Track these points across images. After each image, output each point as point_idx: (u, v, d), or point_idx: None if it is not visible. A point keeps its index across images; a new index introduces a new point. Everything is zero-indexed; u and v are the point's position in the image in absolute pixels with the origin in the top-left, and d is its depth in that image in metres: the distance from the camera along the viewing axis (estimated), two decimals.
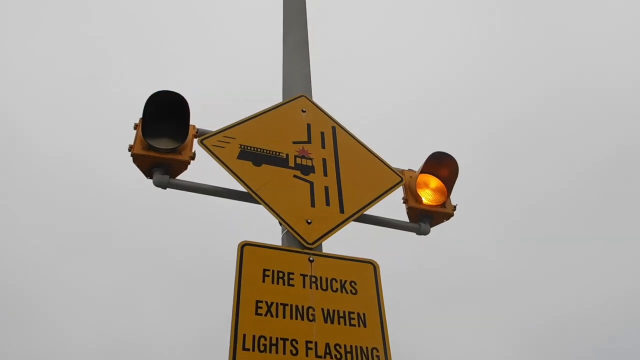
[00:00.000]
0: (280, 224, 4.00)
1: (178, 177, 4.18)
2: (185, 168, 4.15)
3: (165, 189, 4.10)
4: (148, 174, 4.14)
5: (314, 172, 4.26)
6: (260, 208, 4.01)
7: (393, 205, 4.62)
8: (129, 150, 4.01)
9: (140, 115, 4.12)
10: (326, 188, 4.19)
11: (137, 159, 4.06)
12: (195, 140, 4.22)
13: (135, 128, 4.18)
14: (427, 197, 4.66)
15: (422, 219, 4.65)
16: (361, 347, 3.46)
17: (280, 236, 4.01)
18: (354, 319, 3.58)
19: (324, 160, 4.39)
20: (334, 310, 3.57)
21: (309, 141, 4.45)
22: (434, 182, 4.73)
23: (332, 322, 3.51)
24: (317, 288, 3.62)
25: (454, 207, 4.69)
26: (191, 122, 4.24)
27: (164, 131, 4.15)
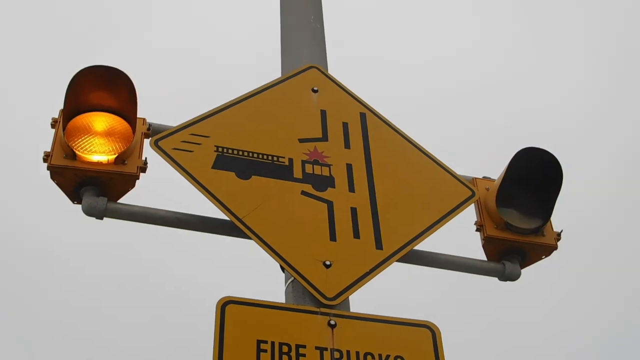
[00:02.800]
0: (283, 270, 3.49)
1: (121, 200, 3.68)
2: (133, 185, 3.65)
3: (101, 218, 3.60)
4: (74, 197, 3.63)
5: (334, 187, 3.77)
6: (251, 243, 3.46)
7: (458, 235, 4.17)
8: (45, 160, 3.53)
9: (61, 107, 3.61)
10: (353, 211, 3.69)
11: (58, 174, 3.54)
12: (147, 142, 3.72)
13: (53, 126, 3.68)
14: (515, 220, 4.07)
15: (508, 255, 4.03)
16: None
17: (284, 287, 3.48)
18: None
19: (349, 166, 3.89)
20: None
21: (324, 138, 3.97)
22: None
23: None
24: None
25: (558, 235, 4.03)
26: (140, 114, 3.74)
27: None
